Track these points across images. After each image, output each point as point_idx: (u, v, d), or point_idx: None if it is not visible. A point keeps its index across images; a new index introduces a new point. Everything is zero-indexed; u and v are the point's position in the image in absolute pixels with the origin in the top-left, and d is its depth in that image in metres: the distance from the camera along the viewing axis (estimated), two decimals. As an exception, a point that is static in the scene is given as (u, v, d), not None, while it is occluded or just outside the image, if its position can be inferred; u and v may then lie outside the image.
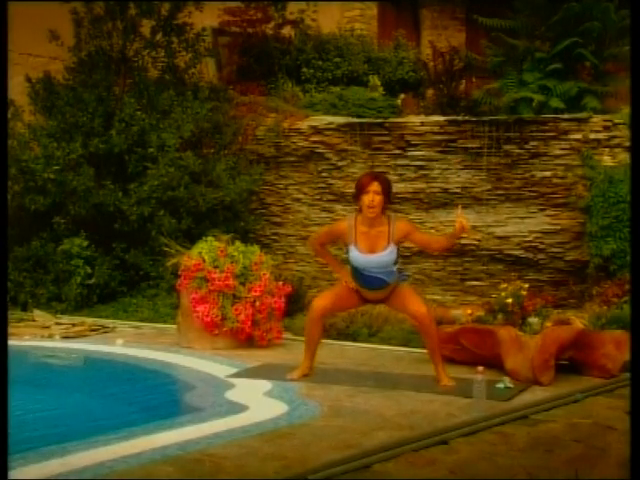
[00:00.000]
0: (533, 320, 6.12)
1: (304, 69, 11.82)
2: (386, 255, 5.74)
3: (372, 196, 5.66)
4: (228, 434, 4.49)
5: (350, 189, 9.50)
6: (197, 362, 6.63)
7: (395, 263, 5.81)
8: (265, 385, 5.73)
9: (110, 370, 6.78)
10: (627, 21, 9.30)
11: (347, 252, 5.88)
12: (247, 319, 7.18)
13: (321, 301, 5.97)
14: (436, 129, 9.75)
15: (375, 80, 11.60)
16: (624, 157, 9.01)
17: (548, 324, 6.11)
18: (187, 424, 4.78)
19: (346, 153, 10.13)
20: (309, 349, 6.02)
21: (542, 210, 9.49)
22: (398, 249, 5.81)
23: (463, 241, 9.63)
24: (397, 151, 9.88)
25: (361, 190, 5.71)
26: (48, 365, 7.20)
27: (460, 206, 6.05)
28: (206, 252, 7.36)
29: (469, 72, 11.45)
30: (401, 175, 9.74)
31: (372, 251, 5.74)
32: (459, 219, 5.61)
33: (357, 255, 5.78)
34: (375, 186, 5.68)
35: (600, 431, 4.67)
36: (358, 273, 5.86)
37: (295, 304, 8.22)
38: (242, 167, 10.27)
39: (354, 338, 7.65)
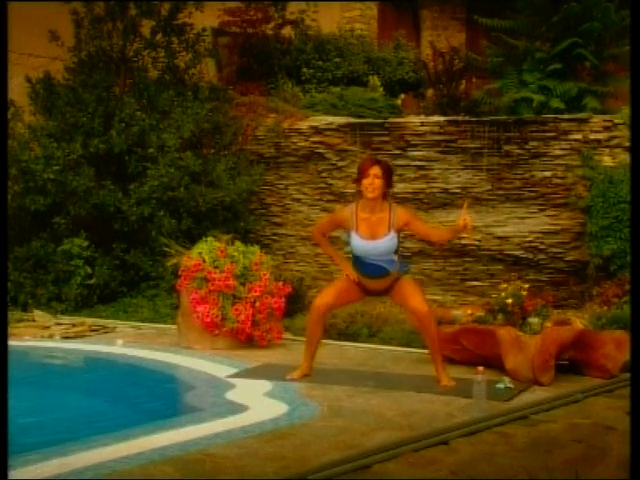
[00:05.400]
0: (533, 320, 6.12)
1: (304, 69, 11.82)
2: (387, 241, 5.75)
3: (372, 179, 5.71)
4: (228, 434, 4.49)
5: (350, 189, 9.54)
6: (197, 362, 6.63)
7: (396, 252, 5.82)
8: (265, 385, 5.73)
9: (110, 370, 6.78)
10: (627, 21, 9.30)
11: (348, 240, 5.88)
12: (247, 319, 7.17)
13: (322, 299, 5.98)
14: (436, 129, 9.74)
15: (375, 80, 11.60)
16: (624, 157, 9.00)
17: (548, 324, 6.11)
18: (187, 424, 4.78)
19: (346, 153, 10.13)
20: (310, 348, 6.02)
21: (542, 210, 9.48)
22: (399, 237, 5.82)
23: (463, 241, 9.64)
24: (397, 151, 9.87)
25: (362, 174, 5.77)
26: (48, 365, 7.20)
27: (467, 201, 6.04)
28: (206, 252, 7.36)
29: (469, 72, 11.45)
30: (401, 175, 9.72)
31: (373, 237, 5.75)
32: (464, 215, 5.62)
33: (358, 241, 5.79)
34: (375, 169, 5.75)
35: (600, 431, 4.67)
36: (359, 261, 5.86)
37: (295, 304, 8.22)
38: (242, 167, 10.27)
39: (354, 338, 7.65)
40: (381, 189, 5.74)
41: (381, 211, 5.79)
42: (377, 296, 6.35)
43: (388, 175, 5.79)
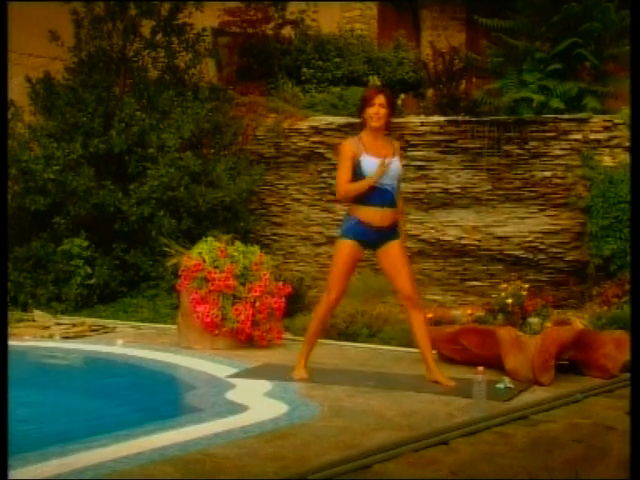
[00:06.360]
0: (533, 320, 6.12)
1: (304, 69, 11.82)
2: (397, 162, 5.80)
3: (377, 108, 5.76)
4: (228, 434, 4.49)
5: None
6: (197, 362, 6.63)
7: (398, 181, 5.88)
8: (265, 385, 5.73)
9: (110, 370, 6.78)
10: (627, 21, 9.30)
11: (359, 169, 5.71)
12: (247, 319, 7.17)
13: (332, 295, 5.83)
14: (436, 129, 9.75)
15: (375, 80, 11.59)
16: (624, 157, 9.00)
17: (548, 324, 6.11)
18: (187, 424, 4.78)
19: (346, 153, 10.11)
20: (307, 346, 5.98)
21: (542, 210, 9.48)
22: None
23: (463, 241, 9.65)
24: (397, 151, 9.87)
25: (366, 102, 5.80)
26: (48, 365, 7.20)
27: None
28: (206, 252, 7.36)
29: (469, 72, 11.44)
30: (401, 175, 9.73)
31: (384, 157, 5.73)
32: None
33: (372, 161, 5.71)
34: (381, 99, 5.78)
35: (600, 431, 4.67)
36: (371, 189, 5.69)
37: (295, 304, 8.22)
38: (242, 167, 10.27)
39: (354, 338, 7.64)
40: (385, 118, 5.79)
41: (383, 139, 5.87)
42: (372, 248, 5.91)
43: (392, 104, 5.87)
